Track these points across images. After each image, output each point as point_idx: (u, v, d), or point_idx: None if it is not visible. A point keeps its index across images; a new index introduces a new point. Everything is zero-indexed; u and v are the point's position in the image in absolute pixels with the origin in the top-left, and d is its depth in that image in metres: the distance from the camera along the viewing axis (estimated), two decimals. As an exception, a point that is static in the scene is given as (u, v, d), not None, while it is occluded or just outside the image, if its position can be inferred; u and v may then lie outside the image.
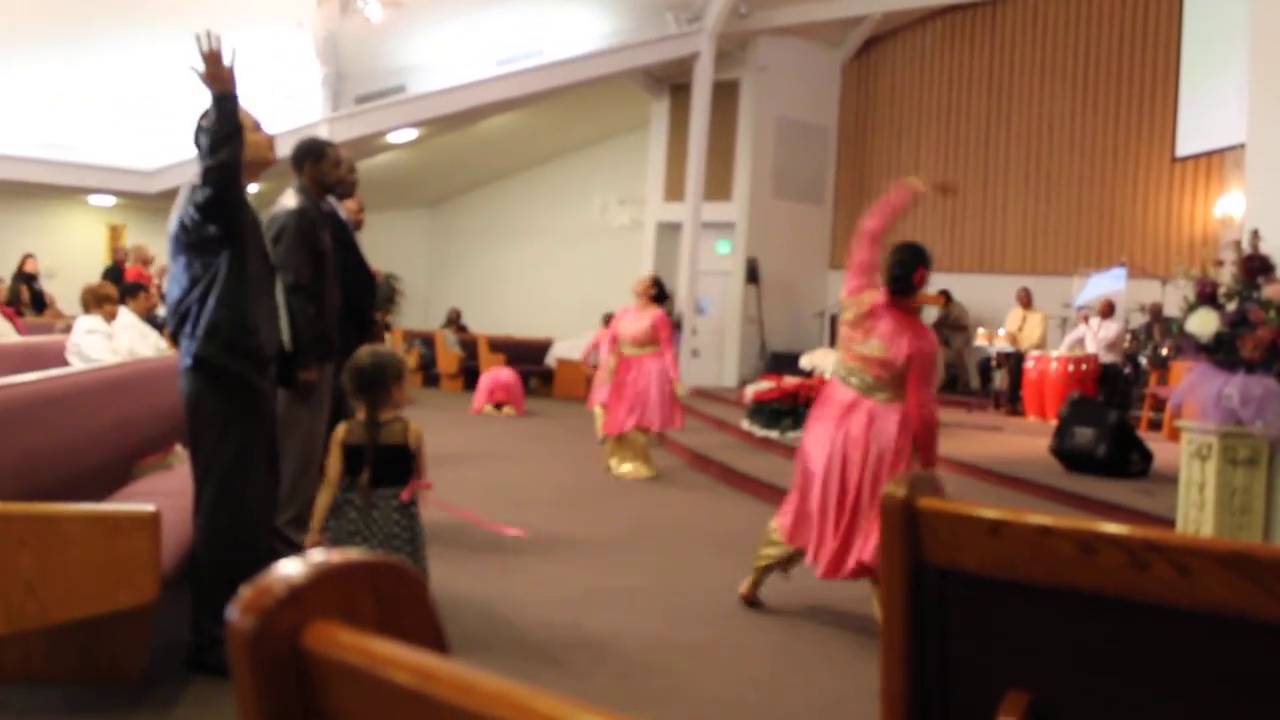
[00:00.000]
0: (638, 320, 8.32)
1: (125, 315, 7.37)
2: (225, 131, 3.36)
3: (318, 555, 0.75)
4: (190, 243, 3.50)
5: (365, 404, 3.67)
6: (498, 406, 12.79)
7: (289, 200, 4.57)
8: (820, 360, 9.80)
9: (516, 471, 8.43)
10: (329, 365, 4.45)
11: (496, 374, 13.09)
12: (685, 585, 5.13)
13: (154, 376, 5.09)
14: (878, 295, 4.43)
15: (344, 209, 5.19)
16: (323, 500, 3.70)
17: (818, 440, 4.43)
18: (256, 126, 3.75)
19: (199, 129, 3.47)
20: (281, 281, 4.29)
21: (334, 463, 3.67)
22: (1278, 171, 5.82)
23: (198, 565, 3.53)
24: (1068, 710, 1.23)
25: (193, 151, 3.51)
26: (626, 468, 8.37)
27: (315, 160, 4.71)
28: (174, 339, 3.70)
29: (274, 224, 4.44)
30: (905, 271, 4.40)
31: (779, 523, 4.61)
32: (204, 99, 3.44)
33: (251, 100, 3.71)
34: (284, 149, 4.21)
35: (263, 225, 3.88)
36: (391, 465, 3.67)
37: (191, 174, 3.54)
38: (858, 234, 4.59)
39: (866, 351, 4.36)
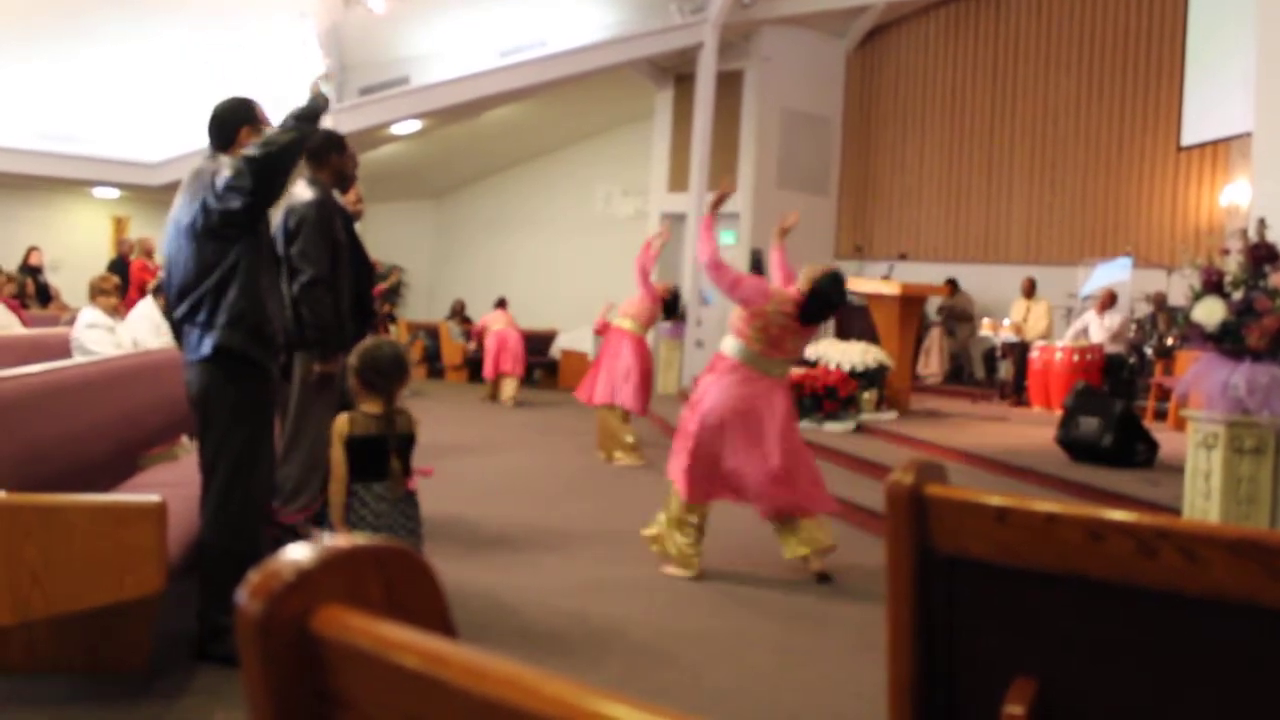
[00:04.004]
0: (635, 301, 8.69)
1: (146, 306, 7.35)
2: (312, 117, 3.62)
3: (326, 540, 0.75)
4: (210, 229, 3.48)
5: (384, 395, 3.65)
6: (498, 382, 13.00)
7: (304, 191, 4.56)
8: (825, 350, 9.79)
9: (521, 461, 8.43)
10: (341, 357, 4.46)
11: (502, 335, 13.13)
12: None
13: (160, 368, 5.10)
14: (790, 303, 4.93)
15: (343, 199, 5.20)
16: (338, 493, 3.65)
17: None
18: (265, 121, 3.75)
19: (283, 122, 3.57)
20: (301, 274, 4.29)
21: (340, 456, 3.62)
22: (1284, 160, 5.80)
23: (205, 554, 3.54)
24: (1075, 697, 1.23)
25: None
26: (620, 457, 8.51)
27: (339, 153, 4.70)
28: (176, 326, 3.67)
29: (292, 215, 4.42)
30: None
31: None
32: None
33: (262, 96, 3.74)
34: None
35: (272, 216, 3.89)
36: (404, 456, 3.69)
37: (219, 160, 3.56)
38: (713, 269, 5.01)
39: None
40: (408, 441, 3.67)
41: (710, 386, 5.04)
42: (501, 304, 14.18)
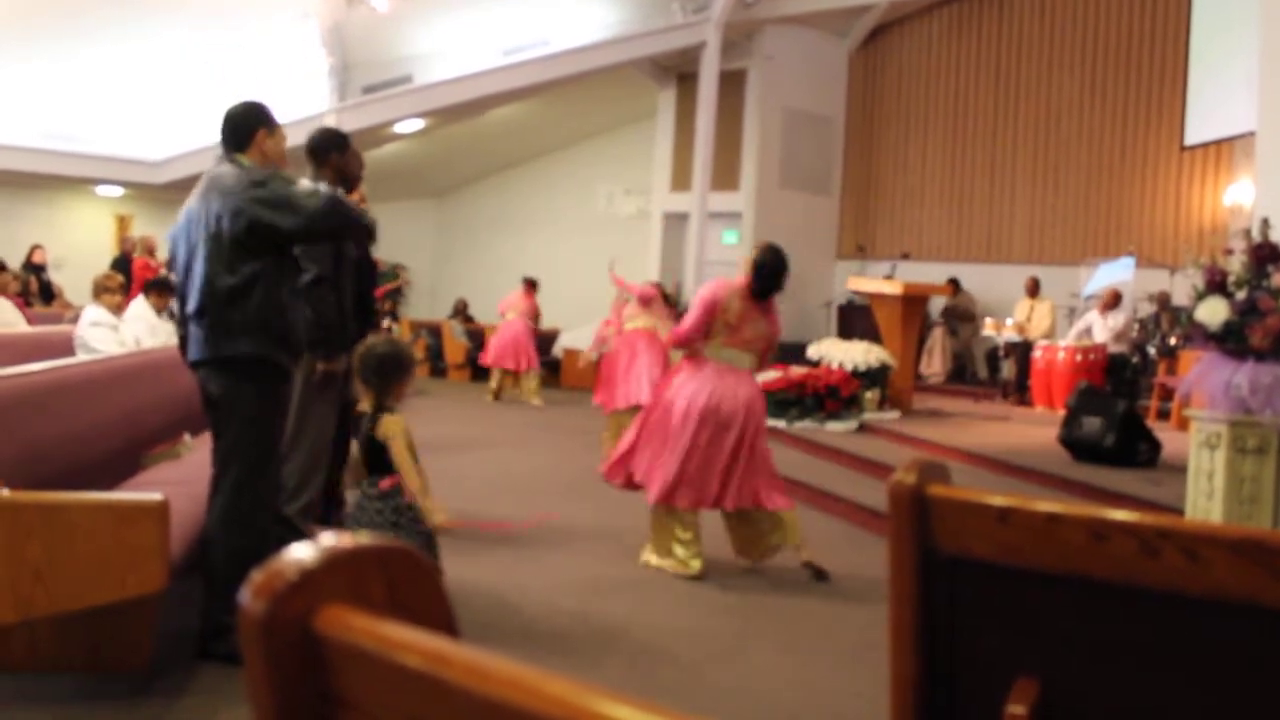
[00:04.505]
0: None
1: (139, 306, 7.35)
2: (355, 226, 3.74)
3: (328, 539, 0.75)
4: (236, 235, 3.46)
5: (375, 392, 3.67)
6: (504, 374, 12.73)
7: None
8: (827, 350, 9.78)
9: (523, 460, 8.43)
10: (344, 356, 4.47)
11: (509, 326, 12.84)
12: (692, 574, 5.13)
13: (163, 367, 5.10)
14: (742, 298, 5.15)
15: (347, 199, 5.19)
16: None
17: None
18: (278, 125, 3.76)
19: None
20: (305, 273, 4.30)
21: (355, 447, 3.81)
22: (1287, 160, 5.80)
23: (210, 552, 3.54)
24: (1077, 697, 1.23)
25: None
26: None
27: (340, 151, 4.71)
28: (183, 325, 3.66)
29: None
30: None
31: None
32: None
33: (265, 97, 3.74)
34: (291, 140, 4.19)
35: None
36: (375, 455, 3.70)
37: (248, 168, 3.58)
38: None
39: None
40: (372, 442, 3.68)
41: (683, 384, 5.15)
42: (530, 286, 13.40)
